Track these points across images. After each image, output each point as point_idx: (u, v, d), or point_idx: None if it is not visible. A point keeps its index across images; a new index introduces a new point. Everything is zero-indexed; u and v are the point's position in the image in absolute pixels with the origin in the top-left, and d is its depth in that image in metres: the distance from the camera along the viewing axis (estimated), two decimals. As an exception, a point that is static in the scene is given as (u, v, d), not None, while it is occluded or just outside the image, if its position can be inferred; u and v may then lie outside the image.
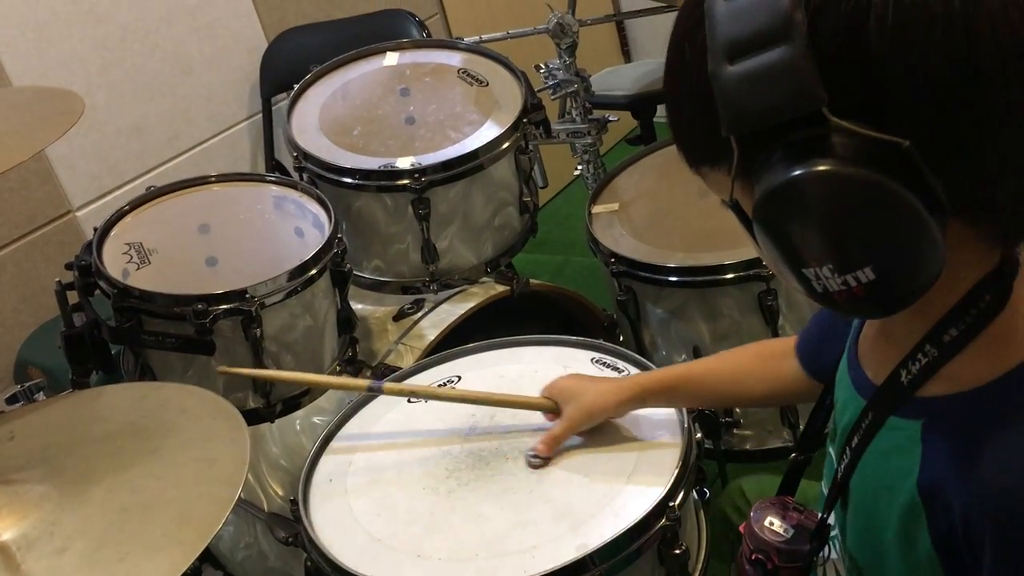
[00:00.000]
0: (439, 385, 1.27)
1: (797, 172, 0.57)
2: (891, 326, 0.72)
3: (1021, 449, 0.62)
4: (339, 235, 1.40)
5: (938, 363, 0.66)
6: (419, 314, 1.61)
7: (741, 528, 0.91)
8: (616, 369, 1.22)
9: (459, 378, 1.27)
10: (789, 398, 1.11)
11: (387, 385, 1.18)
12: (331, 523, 1.08)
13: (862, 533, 0.75)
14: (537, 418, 1.16)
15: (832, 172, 0.56)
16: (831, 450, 0.84)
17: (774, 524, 0.87)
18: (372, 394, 1.24)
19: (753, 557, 0.86)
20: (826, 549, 0.86)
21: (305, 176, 1.54)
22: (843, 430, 0.77)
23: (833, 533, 0.84)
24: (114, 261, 1.33)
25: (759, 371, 1.08)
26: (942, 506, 0.64)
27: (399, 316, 1.62)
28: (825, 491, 0.84)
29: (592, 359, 1.25)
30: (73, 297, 1.32)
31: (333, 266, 1.38)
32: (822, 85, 0.55)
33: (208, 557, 1.59)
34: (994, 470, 0.62)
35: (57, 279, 1.32)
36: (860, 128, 0.56)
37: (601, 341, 1.27)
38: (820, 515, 0.85)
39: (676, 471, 1.02)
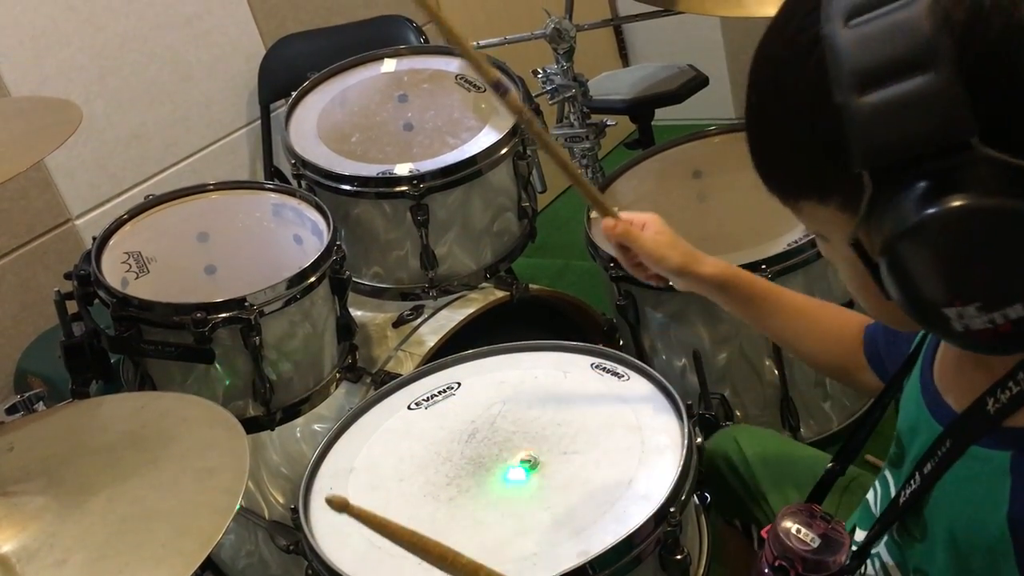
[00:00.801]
0: (440, 391, 1.27)
1: (946, 206, 0.53)
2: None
3: None
4: (338, 242, 1.40)
5: None
6: (419, 320, 1.61)
7: (764, 532, 0.90)
8: (616, 375, 1.22)
9: (459, 384, 1.27)
10: (848, 379, 1.06)
11: (511, 94, 1.06)
12: (332, 531, 1.08)
13: (949, 567, 0.71)
14: (536, 425, 1.16)
15: (984, 205, 0.53)
16: (888, 472, 0.81)
17: (801, 532, 0.85)
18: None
19: (776, 563, 0.85)
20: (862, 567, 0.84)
21: (304, 183, 1.54)
22: (915, 455, 0.74)
23: (875, 551, 0.82)
24: (113, 270, 1.34)
25: (846, 339, 1.03)
26: None
27: (399, 322, 1.62)
28: (875, 509, 0.82)
29: (592, 364, 1.25)
30: (72, 307, 1.32)
31: (332, 273, 1.38)
32: (972, 113, 0.52)
33: (209, 565, 1.59)
34: None
35: (56, 289, 1.32)
36: (1010, 158, 0.53)
37: (601, 347, 1.27)
38: (859, 531, 0.83)
39: (677, 476, 1.02)
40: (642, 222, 1.10)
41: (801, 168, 0.63)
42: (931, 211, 0.54)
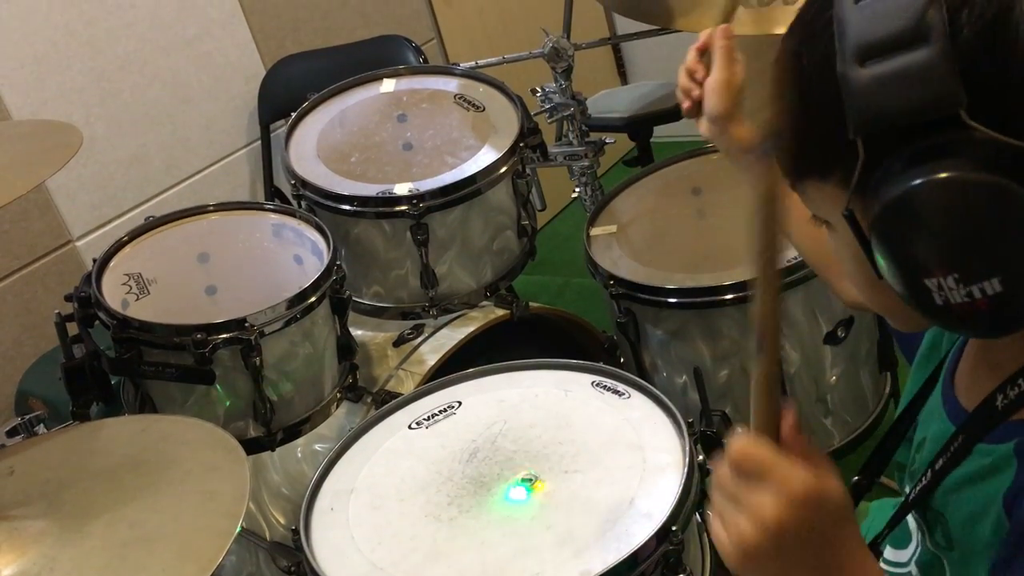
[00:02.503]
0: (440, 410, 1.27)
1: (932, 176, 0.56)
2: (994, 355, 0.70)
3: None
4: (338, 262, 1.40)
5: None
6: (419, 339, 1.61)
7: None
8: (617, 393, 1.22)
9: (460, 403, 1.27)
10: None
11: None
12: (333, 552, 1.07)
13: (962, 568, 0.72)
14: (537, 444, 1.16)
15: (967, 179, 0.55)
16: (907, 485, 0.82)
17: None
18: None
19: None
20: None
21: (304, 203, 1.55)
22: (926, 457, 0.75)
23: (908, 568, 0.82)
24: (113, 292, 1.34)
25: None
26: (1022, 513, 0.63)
27: (399, 342, 1.62)
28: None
29: (593, 383, 1.24)
30: (73, 328, 1.32)
31: (332, 293, 1.38)
32: (962, 88, 0.55)
33: (210, 587, 1.58)
34: None
35: (57, 311, 1.32)
36: (997, 134, 0.55)
37: (601, 364, 1.27)
38: (891, 549, 0.83)
39: (678, 494, 1.01)
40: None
41: (806, 142, 0.65)
42: (916, 181, 0.56)
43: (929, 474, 0.72)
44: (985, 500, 0.67)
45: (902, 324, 0.72)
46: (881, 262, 0.61)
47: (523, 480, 1.10)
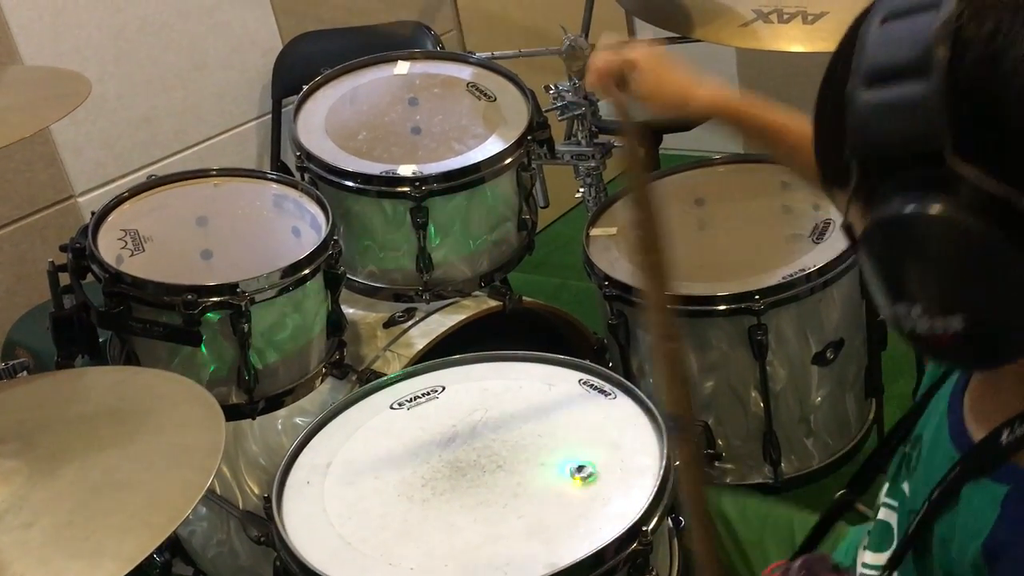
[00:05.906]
0: (423, 393, 1.27)
1: (905, 209, 0.56)
2: (1001, 381, 0.68)
3: None
4: (335, 237, 1.40)
5: None
6: (409, 323, 1.61)
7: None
8: (603, 392, 1.22)
9: (443, 388, 1.27)
10: None
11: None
12: (303, 523, 1.07)
13: None
14: (516, 434, 1.16)
15: (940, 217, 0.55)
16: (906, 483, 0.78)
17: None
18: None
19: None
20: None
21: (307, 176, 1.55)
22: (929, 476, 0.73)
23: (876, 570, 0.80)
24: (109, 246, 1.33)
25: None
26: (1003, 571, 0.62)
27: (389, 323, 1.62)
28: (895, 527, 0.80)
29: (579, 380, 1.24)
30: (65, 279, 1.32)
31: (327, 268, 1.38)
32: (949, 126, 0.54)
33: (179, 552, 1.58)
34: None
35: (50, 259, 1.32)
36: (980, 175, 0.54)
37: (588, 363, 1.27)
38: (870, 553, 0.81)
39: (652, 496, 1.01)
40: (632, 63, 1.11)
41: (831, 153, 0.65)
42: (892, 211, 0.57)
43: (926, 505, 0.70)
44: (967, 533, 0.65)
45: None
46: (866, 278, 0.62)
47: (499, 468, 1.10)
